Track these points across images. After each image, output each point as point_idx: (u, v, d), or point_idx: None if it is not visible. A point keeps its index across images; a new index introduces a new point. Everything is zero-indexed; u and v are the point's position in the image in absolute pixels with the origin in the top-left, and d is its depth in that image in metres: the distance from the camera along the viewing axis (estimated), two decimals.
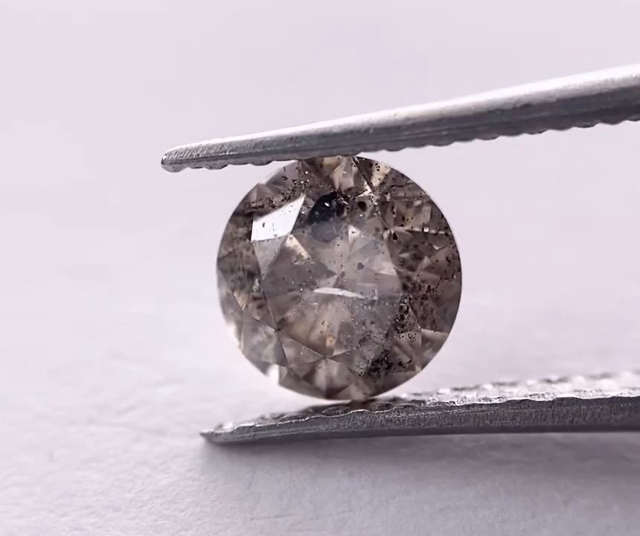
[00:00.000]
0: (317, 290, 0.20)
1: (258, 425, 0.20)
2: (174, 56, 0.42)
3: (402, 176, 0.19)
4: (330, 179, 0.19)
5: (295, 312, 0.20)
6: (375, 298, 0.19)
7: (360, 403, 0.21)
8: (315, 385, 0.21)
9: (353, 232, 0.19)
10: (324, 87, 0.39)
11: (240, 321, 0.21)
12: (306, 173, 0.20)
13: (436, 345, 0.20)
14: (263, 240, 0.20)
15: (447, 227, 0.20)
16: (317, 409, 0.21)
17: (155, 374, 0.23)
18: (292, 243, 0.19)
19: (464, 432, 0.20)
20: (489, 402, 0.19)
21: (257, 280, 0.20)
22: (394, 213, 0.19)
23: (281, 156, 0.19)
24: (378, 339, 0.20)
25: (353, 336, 0.20)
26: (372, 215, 0.19)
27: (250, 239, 0.20)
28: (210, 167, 0.19)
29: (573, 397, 0.19)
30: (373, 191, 0.19)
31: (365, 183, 0.19)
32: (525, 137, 0.18)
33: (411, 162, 0.20)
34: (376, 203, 0.19)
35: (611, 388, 0.20)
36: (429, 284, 0.19)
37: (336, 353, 0.20)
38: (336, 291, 0.20)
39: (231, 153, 0.19)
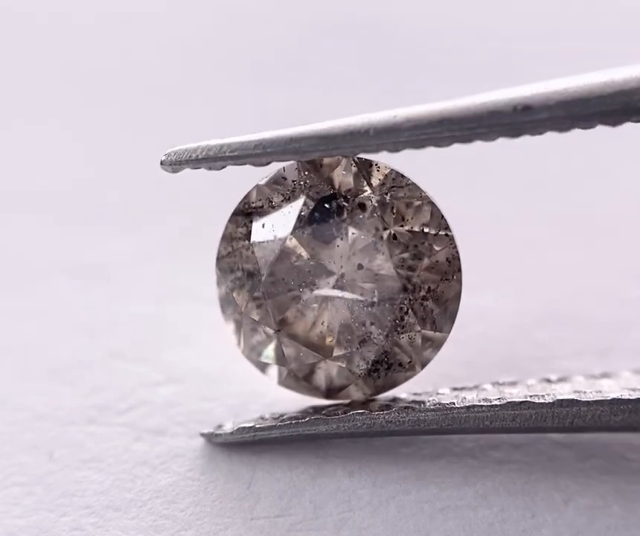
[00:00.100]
0: (317, 292, 0.20)
1: (258, 426, 0.20)
2: (174, 57, 0.42)
3: (402, 176, 0.19)
4: (330, 179, 0.19)
5: (295, 312, 0.20)
6: (375, 299, 0.19)
7: (360, 403, 0.21)
8: (315, 385, 0.21)
9: (353, 233, 0.19)
10: (324, 87, 0.39)
11: (239, 321, 0.21)
12: (306, 173, 0.20)
13: (436, 346, 0.20)
14: (263, 241, 0.20)
15: (447, 227, 0.20)
16: (317, 409, 0.21)
17: (155, 374, 0.23)
18: (292, 243, 0.19)
19: (464, 433, 0.20)
20: (489, 403, 0.19)
21: (256, 280, 0.20)
22: (393, 213, 0.19)
23: (281, 157, 0.19)
24: (378, 340, 0.20)
25: (353, 337, 0.20)
26: (372, 215, 0.19)
27: (250, 239, 0.20)
28: (210, 169, 0.19)
29: (573, 399, 0.19)
30: (373, 192, 0.19)
31: (365, 183, 0.19)
32: (525, 137, 0.18)
33: (411, 162, 0.20)
34: (376, 204, 0.19)
35: (611, 389, 0.20)
36: (429, 285, 0.19)
37: (335, 354, 0.20)
38: (336, 292, 0.20)
39: (230, 154, 0.19)
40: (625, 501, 0.19)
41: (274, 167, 0.20)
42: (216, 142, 0.19)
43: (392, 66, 0.41)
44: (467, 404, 0.19)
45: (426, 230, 0.19)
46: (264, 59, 0.41)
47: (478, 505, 0.19)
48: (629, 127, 0.18)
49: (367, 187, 0.19)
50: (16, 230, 0.29)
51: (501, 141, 0.18)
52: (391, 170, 0.19)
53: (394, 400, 0.21)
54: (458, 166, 0.30)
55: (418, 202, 0.19)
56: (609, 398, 0.19)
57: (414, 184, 0.20)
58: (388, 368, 0.20)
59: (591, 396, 0.19)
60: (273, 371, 0.21)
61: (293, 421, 0.20)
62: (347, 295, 0.20)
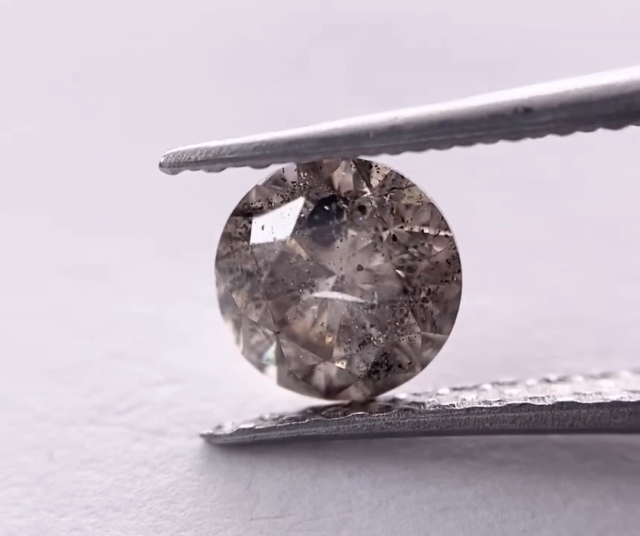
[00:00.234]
0: (316, 293, 0.20)
1: (257, 427, 0.20)
2: (174, 58, 0.42)
3: (402, 177, 0.19)
4: (330, 180, 0.19)
5: (294, 312, 0.20)
6: (375, 301, 0.19)
7: (359, 403, 0.21)
8: (314, 385, 0.21)
9: (352, 235, 0.19)
10: (324, 88, 0.39)
11: (238, 321, 0.21)
12: (306, 174, 0.20)
13: (436, 346, 0.20)
14: (263, 243, 0.20)
15: (447, 228, 0.19)
16: (316, 410, 0.21)
17: (155, 374, 0.23)
18: (292, 245, 0.19)
19: (464, 435, 0.20)
20: (489, 405, 0.19)
21: (256, 280, 0.20)
22: (393, 214, 0.19)
23: (280, 159, 0.19)
24: (378, 342, 0.20)
25: (353, 339, 0.20)
26: (371, 217, 0.19)
27: (249, 239, 0.20)
28: (209, 170, 0.19)
29: (573, 401, 0.19)
30: (373, 193, 0.19)
31: (365, 184, 0.19)
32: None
33: (410, 163, 0.20)
34: (375, 205, 0.19)
35: (611, 390, 0.20)
36: (429, 286, 0.19)
37: (335, 355, 0.20)
38: (336, 295, 0.20)
39: (229, 156, 0.19)
40: (625, 502, 0.19)
41: (274, 167, 0.20)
42: (216, 144, 0.19)
43: (392, 66, 0.41)
44: (467, 406, 0.19)
45: (426, 231, 0.19)
46: (264, 59, 0.41)
47: (477, 505, 0.19)
48: (629, 128, 0.18)
49: (366, 189, 0.19)
50: (16, 230, 0.29)
51: (502, 142, 0.18)
52: (391, 171, 0.19)
53: (394, 401, 0.21)
54: (458, 167, 0.30)
55: (418, 203, 0.19)
56: (609, 401, 0.19)
57: (413, 185, 0.19)
58: (388, 369, 0.20)
59: (591, 398, 0.19)
60: (272, 371, 0.21)
61: (293, 423, 0.20)
62: (347, 297, 0.20)
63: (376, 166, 0.19)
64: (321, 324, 0.20)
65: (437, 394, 0.21)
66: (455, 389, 0.21)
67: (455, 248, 0.20)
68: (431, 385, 0.21)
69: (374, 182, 0.19)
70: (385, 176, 0.19)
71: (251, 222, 0.20)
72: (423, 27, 0.44)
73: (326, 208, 0.19)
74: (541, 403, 0.19)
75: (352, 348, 0.20)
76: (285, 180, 0.20)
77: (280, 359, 0.20)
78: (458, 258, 0.20)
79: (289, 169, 0.20)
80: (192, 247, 0.27)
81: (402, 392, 0.21)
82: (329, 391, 0.21)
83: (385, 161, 0.19)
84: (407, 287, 0.19)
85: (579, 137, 0.19)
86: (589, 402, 0.19)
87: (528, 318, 0.25)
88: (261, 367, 0.21)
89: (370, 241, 0.19)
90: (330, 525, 0.19)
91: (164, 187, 0.29)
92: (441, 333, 0.20)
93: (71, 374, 0.23)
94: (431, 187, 0.20)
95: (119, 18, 0.46)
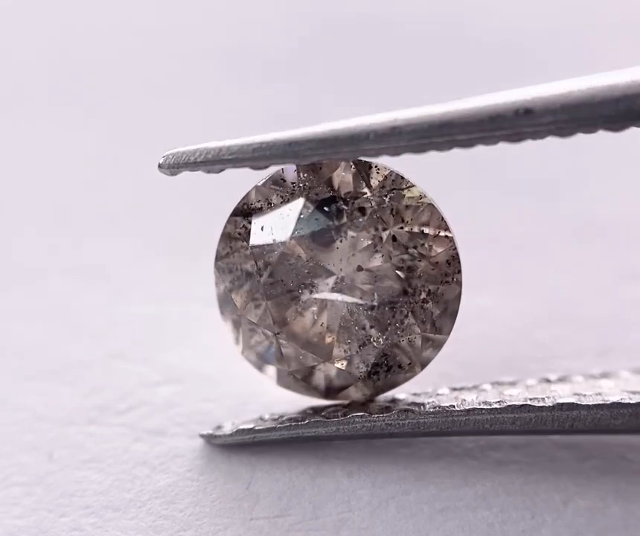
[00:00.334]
0: (316, 295, 0.20)
1: (257, 427, 0.20)
2: (173, 59, 0.42)
3: (402, 177, 0.19)
4: (329, 180, 0.19)
5: (294, 313, 0.20)
6: (375, 303, 0.19)
7: (359, 404, 0.21)
8: (314, 385, 0.21)
9: (352, 236, 0.19)
10: (324, 88, 0.39)
11: (237, 321, 0.21)
12: (305, 175, 0.20)
13: (436, 346, 0.20)
14: (262, 244, 0.20)
15: (447, 228, 0.19)
16: (316, 410, 0.21)
17: (155, 374, 0.23)
18: (291, 246, 0.19)
19: (464, 435, 0.20)
20: (489, 406, 0.19)
21: (255, 281, 0.20)
22: (393, 214, 0.19)
23: (280, 161, 0.19)
24: (378, 343, 0.20)
25: (353, 340, 0.20)
26: (371, 217, 0.19)
27: (249, 239, 0.20)
28: (208, 172, 0.19)
29: (573, 403, 0.19)
30: (373, 193, 0.19)
31: (365, 185, 0.19)
32: None
33: (410, 163, 0.20)
34: (375, 206, 0.19)
35: (611, 391, 0.20)
36: (429, 287, 0.19)
37: (335, 356, 0.20)
38: (335, 295, 0.20)
39: (228, 158, 0.19)
40: (625, 502, 0.19)
41: (274, 167, 0.20)
42: (215, 145, 0.19)
43: (392, 67, 0.41)
44: (467, 407, 0.19)
45: (426, 231, 0.19)
46: (264, 60, 0.41)
47: (477, 505, 0.19)
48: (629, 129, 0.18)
49: (366, 189, 0.19)
50: (16, 230, 0.29)
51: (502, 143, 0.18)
52: (391, 171, 0.19)
53: (394, 401, 0.21)
54: (458, 167, 0.30)
55: (418, 204, 0.19)
56: (609, 402, 0.19)
57: (413, 185, 0.19)
58: (388, 369, 0.20)
59: (591, 399, 0.19)
60: (272, 371, 0.21)
61: (292, 423, 0.20)
62: (347, 298, 0.20)
63: (375, 166, 0.19)
64: (321, 325, 0.20)
65: (437, 394, 0.21)
66: (454, 389, 0.21)
67: (455, 248, 0.19)
68: (431, 386, 0.21)
69: (374, 183, 0.19)
70: (385, 176, 0.19)
71: (250, 223, 0.20)
72: (423, 28, 0.44)
73: (326, 208, 0.19)
74: (541, 404, 0.19)
75: (352, 349, 0.20)
76: (285, 181, 0.20)
77: (280, 358, 0.20)
78: (458, 259, 0.20)
79: (288, 169, 0.20)
80: (192, 247, 0.27)
81: (402, 392, 0.21)
82: (329, 392, 0.21)
83: (385, 162, 0.19)
84: (407, 288, 0.19)
85: (579, 137, 0.19)
86: (589, 403, 0.19)
87: (528, 318, 0.25)
88: (261, 367, 0.21)
89: (369, 242, 0.19)
90: (329, 525, 0.19)
91: (163, 188, 0.29)
92: (441, 334, 0.20)
93: (71, 374, 0.23)
94: (431, 188, 0.20)
95: (119, 19, 0.46)
